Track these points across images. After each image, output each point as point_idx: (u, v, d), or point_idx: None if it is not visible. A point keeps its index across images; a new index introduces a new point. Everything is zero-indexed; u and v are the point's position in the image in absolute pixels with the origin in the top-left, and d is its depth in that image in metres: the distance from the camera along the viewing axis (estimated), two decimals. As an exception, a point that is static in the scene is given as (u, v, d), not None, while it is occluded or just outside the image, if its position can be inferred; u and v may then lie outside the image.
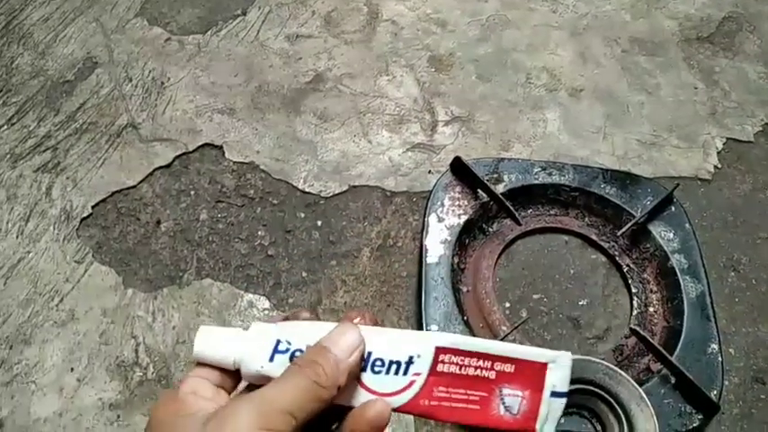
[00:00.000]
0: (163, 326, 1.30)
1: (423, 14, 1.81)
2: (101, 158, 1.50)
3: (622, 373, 1.16)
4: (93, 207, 1.44)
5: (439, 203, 1.42)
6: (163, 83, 1.63)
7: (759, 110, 1.71)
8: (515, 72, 1.71)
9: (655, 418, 1.12)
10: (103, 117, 1.56)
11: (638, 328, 1.26)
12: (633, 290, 1.38)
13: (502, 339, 1.25)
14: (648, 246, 1.41)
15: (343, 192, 1.48)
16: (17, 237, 1.39)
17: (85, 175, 1.48)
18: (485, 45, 1.75)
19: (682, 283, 1.35)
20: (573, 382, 1.16)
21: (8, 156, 1.50)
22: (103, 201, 1.45)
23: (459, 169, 1.45)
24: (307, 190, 1.48)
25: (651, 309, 1.36)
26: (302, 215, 1.45)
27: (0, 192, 1.45)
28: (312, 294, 1.35)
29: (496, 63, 1.72)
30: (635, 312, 1.35)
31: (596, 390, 1.16)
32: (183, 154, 1.52)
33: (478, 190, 1.43)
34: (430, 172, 1.53)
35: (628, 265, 1.41)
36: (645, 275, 1.40)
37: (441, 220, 1.40)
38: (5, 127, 1.54)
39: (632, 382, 1.15)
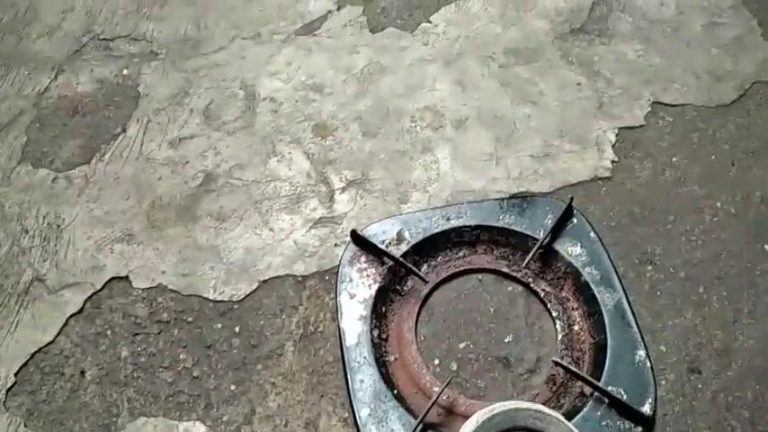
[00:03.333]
0: (106, 479, 1.30)
1: (298, 83, 1.81)
2: (13, 322, 1.49)
3: (551, 412, 1.17)
4: (15, 375, 1.43)
5: (347, 279, 1.43)
6: (59, 225, 1.62)
7: (644, 90, 1.72)
8: (399, 119, 1.71)
9: (590, 451, 1.13)
10: (8, 278, 1.56)
11: (560, 360, 1.27)
12: (554, 313, 1.38)
13: (435, 401, 1.25)
14: (559, 265, 1.42)
15: (255, 290, 1.48)
16: (-54, 426, 1.38)
17: (2, 344, 1.47)
18: (364, 99, 1.75)
19: (598, 296, 1.36)
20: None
21: None
22: (25, 365, 1.44)
23: (360, 239, 1.45)
24: (218, 298, 1.48)
25: (576, 327, 1.37)
26: (219, 325, 1.45)
27: None
28: (245, 406, 1.35)
29: (379, 115, 1.72)
30: (560, 336, 1.36)
31: (531, 436, 1.17)
32: (93, 294, 1.51)
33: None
34: (336, 245, 1.53)
35: (544, 290, 1.41)
36: (563, 295, 1.41)
37: (352, 296, 1.40)
38: None
39: (562, 419, 1.16)
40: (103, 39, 1.96)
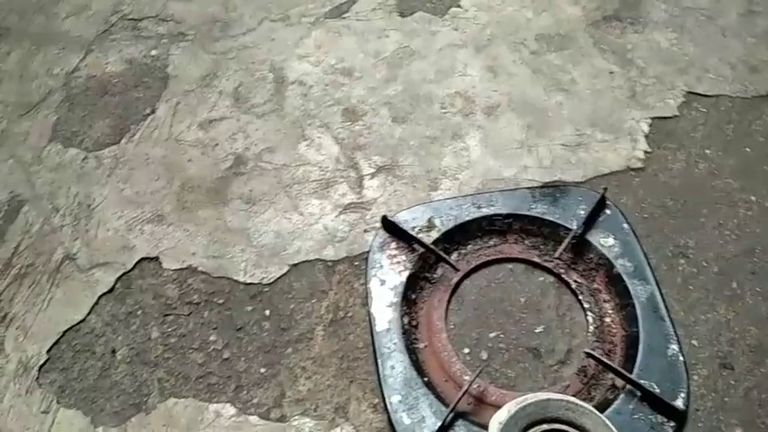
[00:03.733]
0: (137, 457, 1.31)
1: (328, 67, 1.80)
2: (45, 300, 1.51)
3: (582, 404, 1.16)
4: (48, 351, 1.45)
5: (378, 266, 1.42)
6: (89, 205, 1.63)
7: (678, 79, 1.69)
8: (429, 105, 1.70)
9: (622, 443, 1.13)
10: (40, 256, 1.57)
11: (593, 352, 1.26)
12: (585, 305, 1.38)
13: (466, 390, 1.25)
14: (591, 256, 1.41)
15: (285, 273, 1.49)
16: (-20, 401, 1.40)
17: (34, 321, 1.48)
18: (394, 84, 1.74)
19: (630, 288, 1.35)
20: (539, 422, 1.17)
21: (-45, 320, 1.51)
22: (57, 342, 1.46)
23: (390, 226, 1.45)
24: (249, 281, 1.48)
25: (607, 319, 1.36)
26: (249, 308, 1.45)
27: (-45, 359, 1.46)
28: (274, 389, 1.36)
29: (409, 100, 1.71)
30: (591, 328, 1.35)
31: (563, 427, 1.17)
32: (123, 274, 1.52)
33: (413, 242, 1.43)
34: (366, 231, 1.53)
35: (576, 281, 1.41)
36: (594, 286, 1.40)
37: (383, 282, 1.40)
38: (-53, 290, 1.55)
39: (594, 411, 1.15)
40: (132, 18, 1.96)
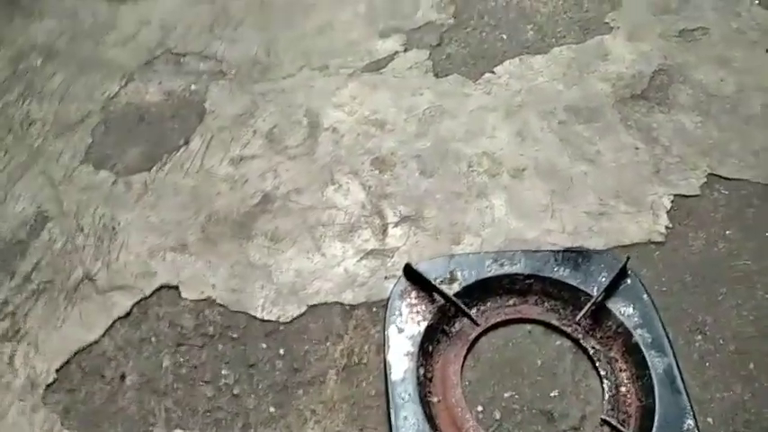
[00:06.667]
0: (136, 487, 1.28)
1: (361, 117, 1.85)
2: (60, 318, 1.51)
3: (598, 472, 1.15)
4: (56, 371, 1.43)
5: (397, 313, 1.43)
6: (114, 228, 1.65)
7: (701, 161, 1.73)
8: (457, 162, 1.74)
9: None
10: (59, 273, 1.57)
11: (608, 418, 1.25)
12: (602, 372, 1.37)
13: (477, 448, 1.24)
14: (610, 324, 1.42)
15: (302, 314, 1.49)
16: (-17, 415, 1.38)
17: (47, 338, 1.48)
18: (424, 139, 1.79)
19: (648, 359, 1.35)
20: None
21: (-32, 329, 1.50)
22: (67, 362, 1.45)
23: (412, 274, 1.46)
24: (266, 318, 1.49)
25: (623, 389, 1.35)
26: (264, 345, 1.45)
27: (-37, 369, 1.44)
28: (282, 430, 1.34)
29: (437, 156, 1.75)
30: (607, 396, 1.34)
31: (575, 493, 1.15)
32: (141, 300, 1.52)
33: (434, 292, 1.44)
34: (386, 278, 1.54)
35: (593, 347, 1.41)
36: (612, 354, 1.40)
37: (401, 330, 1.40)
38: (-37, 299, 1.55)
39: (609, 480, 1.14)
40: (175, 53, 2.03)
